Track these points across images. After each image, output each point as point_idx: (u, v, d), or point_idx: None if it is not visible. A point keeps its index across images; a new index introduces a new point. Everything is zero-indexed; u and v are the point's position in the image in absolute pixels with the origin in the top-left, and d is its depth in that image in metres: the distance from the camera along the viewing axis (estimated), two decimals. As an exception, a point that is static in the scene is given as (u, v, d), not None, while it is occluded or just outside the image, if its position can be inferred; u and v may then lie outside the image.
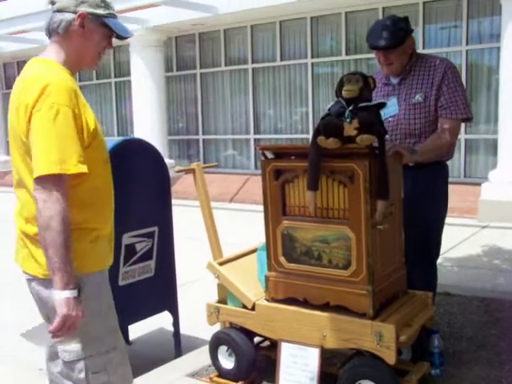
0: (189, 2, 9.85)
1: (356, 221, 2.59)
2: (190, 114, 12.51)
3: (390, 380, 2.58)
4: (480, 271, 5.31)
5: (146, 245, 3.49)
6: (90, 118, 1.99)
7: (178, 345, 3.72)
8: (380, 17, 9.28)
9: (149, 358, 3.73)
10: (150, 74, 11.23)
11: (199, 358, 3.45)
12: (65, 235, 1.84)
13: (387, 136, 3.11)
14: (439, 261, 3.49)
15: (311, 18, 10.38)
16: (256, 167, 11.29)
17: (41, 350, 2.13)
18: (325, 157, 2.60)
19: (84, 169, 1.89)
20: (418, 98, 3.18)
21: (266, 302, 2.93)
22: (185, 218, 6.36)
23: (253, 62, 11.32)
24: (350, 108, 2.53)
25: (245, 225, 7.79)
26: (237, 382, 3.05)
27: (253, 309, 2.96)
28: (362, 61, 9.93)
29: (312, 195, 2.65)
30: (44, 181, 1.83)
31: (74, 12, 2.01)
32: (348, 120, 2.51)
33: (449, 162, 3.39)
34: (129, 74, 11.98)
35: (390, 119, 3.21)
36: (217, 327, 3.27)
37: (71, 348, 1.99)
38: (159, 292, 3.62)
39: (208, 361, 3.23)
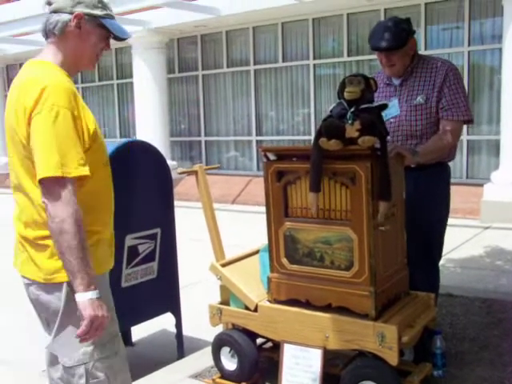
0: (191, 3, 9.86)
1: (358, 222, 2.60)
2: (192, 116, 12.53)
3: (392, 381, 2.58)
4: (482, 272, 5.31)
5: (148, 246, 3.49)
6: (89, 120, 1.96)
7: (180, 346, 3.72)
8: (382, 18, 9.28)
9: (151, 359, 3.74)
10: (152, 76, 11.24)
11: (202, 359, 3.45)
12: (80, 236, 1.81)
13: (389, 137, 3.12)
14: (441, 262, 3.49)
15: (313, 19, 10.39)
16: (258, 169, 11.29)
17: (42, 352, 2.12)
18: (327, 158, 2.61)
19: (86, 171, 1.86)
20: (420, 99, 3.18)
21: (268, 304, 2.94)
22: (187, 219, 6.36)
23: (255, 64, 11.33)
24: (352, 109, 2.54)
25: (247, 226, 7.80)
26: (239, 383, 3.05)
27: (255, 310, 2.96)
28: (364, 62, 9.93)
29: (314, 197, 2.66)
30: (50, 185, 1.81)
31: (71, 13, 1.97)
32: (350, 121, 2.51)
33: (451, 163, 3.39)
34: (131, 76, 12.00)
35: (392, 120, 3.22)
36: (219, 328, 3.27)
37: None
38: (162, 293, 3.62)
39: (211, 362, 3.24)
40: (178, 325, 3.72)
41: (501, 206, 7.51)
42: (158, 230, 3.54)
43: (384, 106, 2.67)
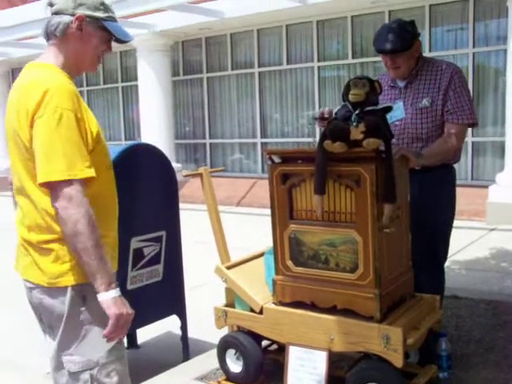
0: (195, 6, 9.88)
1: (363, 224, 2.60)
2: (197, 118, 12.55)
3: (398, 383, 2.58)
4: (488, 274, 5.30)
5: (153, 249, 3.50)
6: (92, 122, 1.94)
7: (185, 348, 3.72)
8: (386, 20, 9.29)
9: (157, 361, 3.74)
10: (156, 79, 11.26)
11: (207, 361, 3.46)
12: (95, 236, 1.80)
13: (394, 140, 3.12)
14: (447, 264, 3.49)
15: (317, 21, 10.40)
16: (263, 171, 11.30)
17: (46, 354, 2.12)
18: (331, 161, 2.61)
19: (92, 173, 1.85)
20: (425, 102, 3.18)
21: (273, 306, 2.94)
22: (192, 221, 6.37)
23: (259, 66, 11.35)
24: (357, 112, 2.54)
25: (252, 228, 7.80)
26: (245, 385, 3.06)
27: (260, 312, 2.97)
28: (369, 64, 9.93)
29: (319, 199, 2.66)
30: (58, 189, 1.79)
31: (72, 14, 1.95)
32: (354, 124, 2.52)
33: (456, 165, 3.38)
34: (136, 79, 12.03)
35: (397, 123, 3.22)
36: (225, 331, 3.28)
37: (77, 359, 1.95)
38: (167, 296, 3.63)
39: (216, 364, 3.24)
40: (184, 327, 3.73)
41: (506, 207, 7.50)
42: (163, 233, 3.55)
43: (389, 109, 2.67)
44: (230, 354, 3.11)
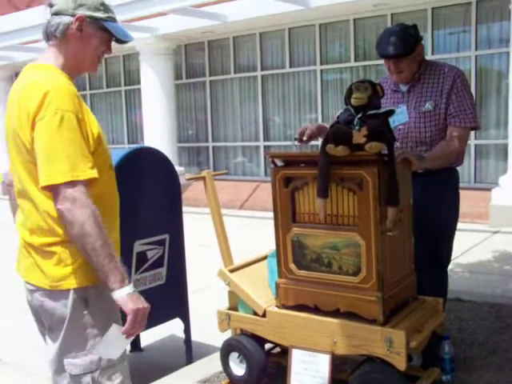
0: (198, 10, 9.90)
1: (366, 227, 2.60)
2: (200, 122, 12.56)
3: (401, 386, 2.58)
4: (491, 277, 5.30)
5: (157, 252, 3.51)
6: (93, 123, 1.93)
7: (189, 351, 3.73)
8: (388, 23, 9.30)
9: (160, 364, 3.75)
10: (159, 82, 11.29)
11: (210, 364, 3.46)
12: (103, 236, 1.80)
13: (398, 144, 3.12)
14: (450, 266, 3.49)
15: (320, 24, 10.41)
16: (266, 174, 11.31)
17: (46, 356, 2.12)
18: (334, 164, 2.62)
19: (95, 174, 1.84)
20: (428, 106, 3.18)
21: (276, 309, 2.94)
22: (195, 225, 6.38)
23: (262, 69, 11.36)
24: (359, 116, 2.55)
25: (255, 232, 7.80)
26: (248, 388, 3.06)
27: (263, 315, 2.97)
28: (371, 67, 9.93)
29: (322, 202, 2.67)
30: (61, 191, 1.77)
31: (72, 15, 1.94)
32: (357, 128, 2.52)
33: (459, 168, 3.38)
34: (139, 83, 12.06)
35: (401, 127, 3.22)
36: (228, 334, 3.28)
37: (79, 361, 1.94)
38: (170, 299, 3.64)
39: (219, 367, 3.25)
40: (187, 330, 3.73)
41: (509, 210, 7.49)
42: (166, 236, 3.55)
43: (391, 112, 2.68)
44: (234, 357, 3.12)
